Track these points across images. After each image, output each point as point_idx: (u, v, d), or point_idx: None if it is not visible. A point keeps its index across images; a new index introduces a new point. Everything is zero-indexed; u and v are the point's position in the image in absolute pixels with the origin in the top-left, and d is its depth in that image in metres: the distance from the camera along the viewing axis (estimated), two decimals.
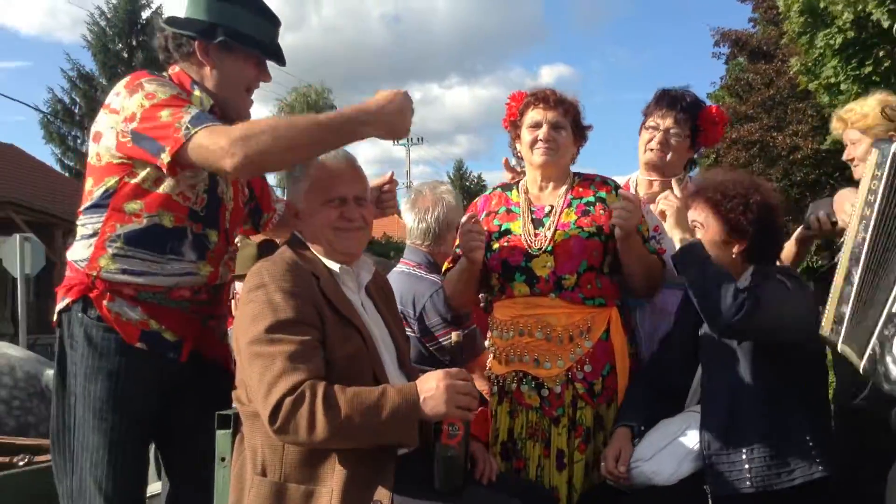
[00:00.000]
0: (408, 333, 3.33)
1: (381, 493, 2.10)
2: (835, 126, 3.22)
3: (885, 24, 11.26)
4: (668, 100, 3.21)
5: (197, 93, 2.50)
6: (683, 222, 2.61)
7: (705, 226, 2.65)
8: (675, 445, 2.54)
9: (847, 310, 2.25)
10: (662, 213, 2.65)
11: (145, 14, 35.49)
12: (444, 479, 2.16)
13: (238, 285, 4.16)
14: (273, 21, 2.58)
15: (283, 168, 2.28)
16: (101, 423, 2.42)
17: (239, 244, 3.02)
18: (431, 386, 2.08)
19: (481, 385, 2.94)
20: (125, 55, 34.93)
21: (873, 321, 2.20)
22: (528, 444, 2.78)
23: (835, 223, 2.94)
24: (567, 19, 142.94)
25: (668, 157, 3.19)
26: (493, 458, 2.73)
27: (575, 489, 2.73)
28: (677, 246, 2.58)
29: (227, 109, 2.53)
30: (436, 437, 2.16)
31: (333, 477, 2.10)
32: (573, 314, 2.77)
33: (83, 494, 2.43)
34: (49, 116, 34.29)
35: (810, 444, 2.43)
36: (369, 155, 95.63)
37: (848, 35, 12.16)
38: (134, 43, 35.07)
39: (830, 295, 2.30)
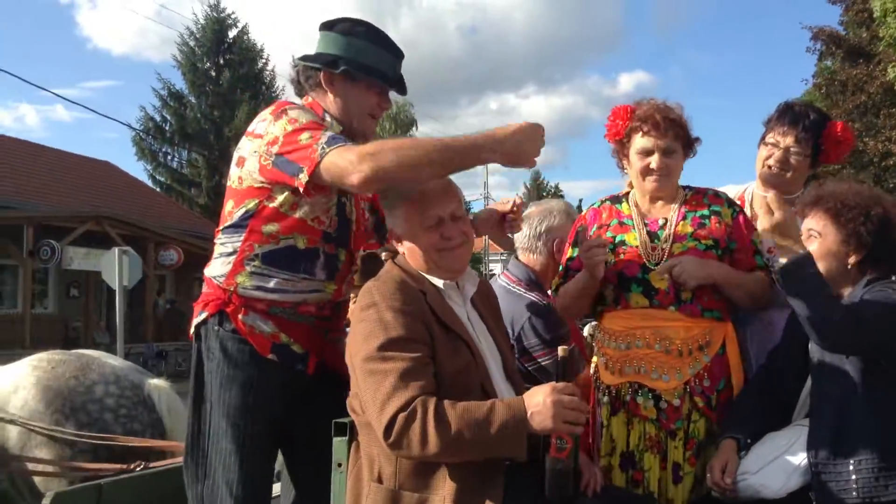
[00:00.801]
0: None
1: (491, 503, 2.15)
2: None
3: None
4: (791, 116, 3.11)
5: (328, 118, 2.65)
6: (793, 232, 2.55)
7: (823, 234, 2.61)
8: (784, 459, 2.53)
9: None
10: (773, 228, 2.55)
11: (232, 33, 36.59)
12: (554, 491, 2.21)
13: None
14: (396, 53, 2.73)
15: (408, 184, 2.37)
16: (234, 429, 2.56)
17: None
18: (539, 401, 2.12)
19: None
20: (213, 73, 36.08)
21: None
22: (647, 456, 2.78)
23: None
24: (645, 24, 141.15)
25: (788, 175, 3.11)
26: (612, 469, 2.79)
27: (683, 502, 2.74)
28: (782, 260, 2.53)
29: (353, 134, 2.66)
30: (545, 450, 2.20)
31: (445, 486, 2.17)
32: (692, 328, 2.78)
33: (215, 498, 2.57)
34: (141, 134, 35.63)
35: None
36: None
37: None
38: (221, 61, 36.19)
39: None
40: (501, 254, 50.17)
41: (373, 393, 2.15)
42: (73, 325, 22.77)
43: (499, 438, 2.09)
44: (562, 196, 64.32)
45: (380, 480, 2.24)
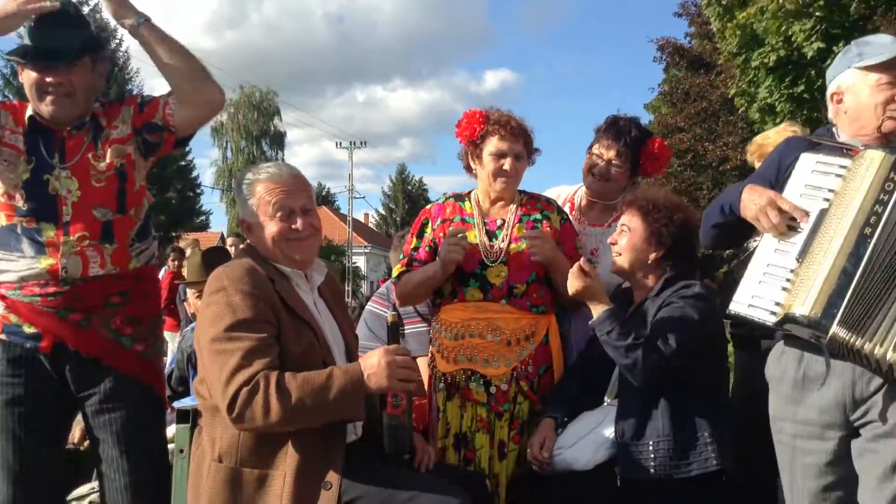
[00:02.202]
0: (383, 311, 3.81)
1: (331, 476, 2.30)
2: (751, 150, 3.50)
3: (809, 55, 11.77)
4: (615, 131, 3.41)
5: None
6: (598, 294, 2.84)
7: (632, 230, 2.94)
8: (594, 435, 2.83)
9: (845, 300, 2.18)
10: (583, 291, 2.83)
11: (84, 11, 34.66)
12: (392, 445, 2.38)
13: (187, 291, 4.51)
14: (44, 24, 2.64)
15: None
16: None
17: (189, 252, 3.18)
18: (373, 363, 2.29)
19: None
20: None
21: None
22: (479, 436, 3.03)
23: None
24: (511, 23, 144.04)
25: (608, 185, 3.43)
26: (447, 449, 3.01)
27: (507, 476, 2.99)
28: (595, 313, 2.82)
29: (42, 116, 2.71)
30: (381, 408, 2.37)
31: (286, 461, 2.29)
32: (520, 319, 3.05)
33: None
34: None
35: (709, 439, 2.72)
36: (310, 156, 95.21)
37: (780, 53, 12.62)
38: None
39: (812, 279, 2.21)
40: (365, 247, 50.27)
41: (218, 371, 2.24)
42: None
43: (338, 402, 2.24)
44: (425, 190, 65.07)
45: (220, 460, 2.33)
